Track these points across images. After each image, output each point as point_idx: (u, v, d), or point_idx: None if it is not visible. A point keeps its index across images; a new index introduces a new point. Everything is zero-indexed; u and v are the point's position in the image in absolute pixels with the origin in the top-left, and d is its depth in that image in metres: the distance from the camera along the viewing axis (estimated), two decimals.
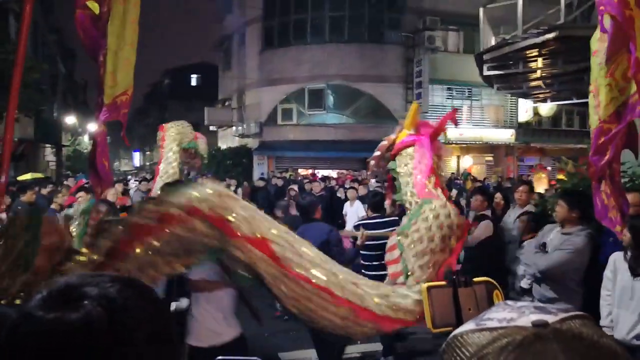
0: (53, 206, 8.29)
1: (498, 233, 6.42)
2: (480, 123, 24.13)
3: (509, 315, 0.76)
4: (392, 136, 3.47)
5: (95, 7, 3.64)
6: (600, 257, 5.05)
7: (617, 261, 4.15)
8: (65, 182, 14.36)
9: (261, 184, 16.08)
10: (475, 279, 1.75)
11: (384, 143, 3.46)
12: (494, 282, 1.79)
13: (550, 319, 0.72)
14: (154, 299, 0.92)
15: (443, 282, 1.78)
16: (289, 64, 23.18)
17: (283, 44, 23.58)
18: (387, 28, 23.43)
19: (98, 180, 4.05)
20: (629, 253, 4.00)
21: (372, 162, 3.55)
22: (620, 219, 3.69)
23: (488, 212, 6.59)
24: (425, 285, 1.74)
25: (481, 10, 12.14)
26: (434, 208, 2.59)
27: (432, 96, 22.90)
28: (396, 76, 22.90)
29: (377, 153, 3.50)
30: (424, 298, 1.70)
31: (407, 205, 2.88)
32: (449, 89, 23.71)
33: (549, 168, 25.73)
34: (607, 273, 4.24)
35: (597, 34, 3.59)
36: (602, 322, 4.24)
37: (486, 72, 11.58)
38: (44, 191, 10.59)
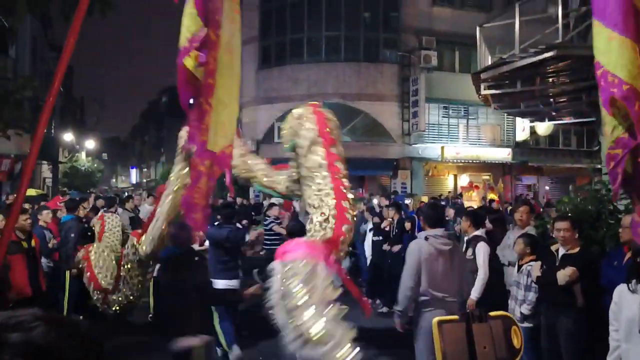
0: (40, 223, 8.20)
1: (496, 254, 6.32)
2: (477, 142, 24.14)
3: None
4: None
5: (190, 64, 3.60)
6: (602, 280, 4.99)
7: (621, 294, 3.91)
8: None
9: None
10: (492, 314, 1.65)
11: None
12: (512, 317, 1.69)
13: None
14: (84, 336, 0.82)
15: (455, 317, 1.68)
16: (285, 82, 23.22)
17: (280, 62, 23.65)
18: (383, 47, 23.53)
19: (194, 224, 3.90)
20: (632, 283, 3.78)
21: None
22: None
23: (480, 233, 6.42)
24: (437, 319, 1.64)
25: (478, 29, 12.18)
26: None
27: (429, 115, 22.93)
28: (392, 95, 22.93)
29: None
30: (435, 333, 1.60)
31: None
32: (445, 107, 23.74)
33: (543, 187, 25.71)
34: (612, 306, 4.00)
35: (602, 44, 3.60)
36: (609, 359, 4.01)
37: (483, 92, 11.57)
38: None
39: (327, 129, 4.70)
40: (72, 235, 8.17)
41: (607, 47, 3.43)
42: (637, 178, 3.61)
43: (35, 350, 0.73)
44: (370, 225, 10.35)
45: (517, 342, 1.95)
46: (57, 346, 0.75)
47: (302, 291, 3.53)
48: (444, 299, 4.80)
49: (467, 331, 1.52)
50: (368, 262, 10.16)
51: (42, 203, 11.52)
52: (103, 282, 6.62)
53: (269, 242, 9.87)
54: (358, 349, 3.47)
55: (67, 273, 8.23)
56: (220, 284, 6.54)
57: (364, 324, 8.32)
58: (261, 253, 10.33)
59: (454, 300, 4.97)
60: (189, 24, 3.62)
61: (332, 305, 3.57)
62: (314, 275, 3.63)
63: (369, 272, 10.22)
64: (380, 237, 9.75)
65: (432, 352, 4.83)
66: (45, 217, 8.47)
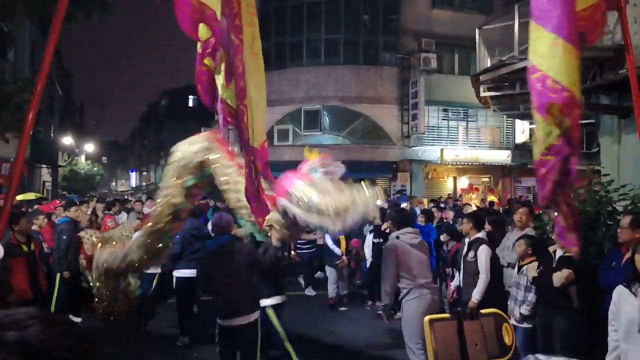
0: (34, 227, 8.17)
1: (497, 256, 6.31)
2: (477, 144, 24.15)
3: None
4: None
5: (210, 64, 4.18)
6: (601, 281, 4.99)
7: (620, 294, 3.93)
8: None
9: None
10: (483, 311, 1.66)
11: None
12: (503, 315, 1.70)
13: None
14: (78, 335, 0.81)
15: (446, 315, 1.69)
16: (285, 85, 23.23)
17: (279, 65, 23.64)
18: (382, 50, 23.54)
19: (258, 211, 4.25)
20: (636, 285, 3.79)
21: None
22: (576, 240, 3.84)
23: (482, 235, 6.42)
24: (428, 318, 1.64)
25: (477, 31, 12.19)
26: None
27: (428, 117, 22.94)
28: (392, 97, 22.94)
29: None
30: (426, 331, 1.61)
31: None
32: (444, 110, 23.75)
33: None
34: (612, 307, 4.02)
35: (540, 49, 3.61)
36: (607, 359, 4.04)
37: (483, 94, 11.58)
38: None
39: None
40: (64, 237, 8.14)
41: (550, 51, 3.42)
42: (565, 185, 3.66)
43: (30, 349, 0.72)
44: (370, 227, 10.32)
45: (508, 339, 1.94)
46: (52, 345, 0.74)
47: (316, 195, 4.25)
48: (425, 283, 5.59)
49: (459, 329, 1.52)
50: (368, 263, 10.15)
51: (36, 206, 11.43)
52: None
53: (300, 248, 10.92)
54: (375, 189, 4.39)
55: (58, 275, 8.21)
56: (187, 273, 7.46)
57: (364, 325, 8.37)
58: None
59: (434, 285, 5.82)
60: (201, 32, 3.88)
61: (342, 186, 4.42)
62: (315, 184, 4.43)
63: (368, 274, 10.21)
64: (381, 239, 9.73)
65: (421, 337, 4.91)
66: (39, 222, 8.42)
